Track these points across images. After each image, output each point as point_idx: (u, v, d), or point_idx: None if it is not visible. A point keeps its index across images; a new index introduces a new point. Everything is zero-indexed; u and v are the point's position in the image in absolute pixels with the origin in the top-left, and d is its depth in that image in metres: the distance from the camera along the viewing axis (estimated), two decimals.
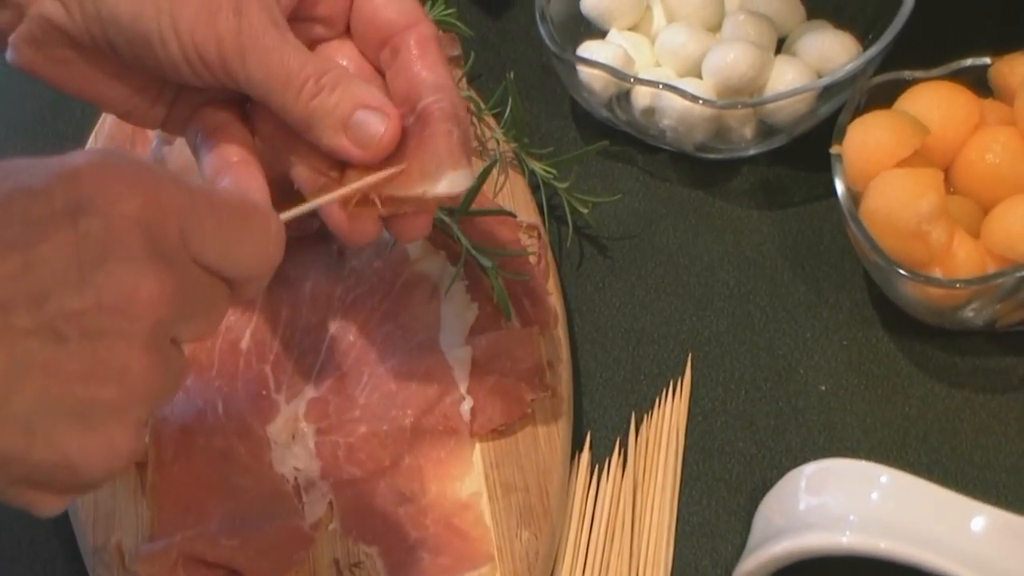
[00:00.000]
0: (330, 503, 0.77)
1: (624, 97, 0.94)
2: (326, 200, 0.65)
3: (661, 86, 0.90)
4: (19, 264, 0.49)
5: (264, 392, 0.81)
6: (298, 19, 0.69)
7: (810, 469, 0.73)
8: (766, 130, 0.94)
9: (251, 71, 0.64)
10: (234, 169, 0.67)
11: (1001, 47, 0.88)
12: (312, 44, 0.71)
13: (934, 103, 0.85)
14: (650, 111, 0.93)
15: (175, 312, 0.53)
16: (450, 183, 0.64)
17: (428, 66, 0.68)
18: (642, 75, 0.94)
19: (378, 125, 0.64)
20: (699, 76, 0.94)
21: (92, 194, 0.50)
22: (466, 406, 0.80)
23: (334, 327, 0.83)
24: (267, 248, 0.58)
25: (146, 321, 0.52)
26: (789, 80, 0.92)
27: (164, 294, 0.52)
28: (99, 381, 0.51)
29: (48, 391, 0.50)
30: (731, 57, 0.91)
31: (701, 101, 0.89)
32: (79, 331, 0.50)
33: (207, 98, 0.70)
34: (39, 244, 0.49)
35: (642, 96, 0.93)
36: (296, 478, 0.78)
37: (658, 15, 1.00)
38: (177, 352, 0.55)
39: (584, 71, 0.93)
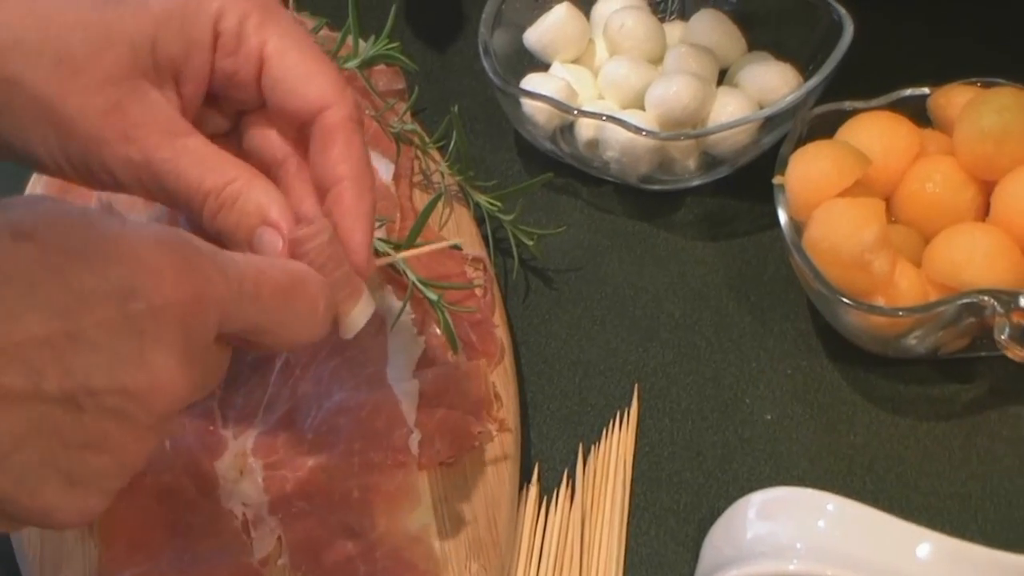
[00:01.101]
0: (279, 538, 0.77)
1: (568, 129, 0.94)
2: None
3: (604, 118, 0.91)
4: (62, 334, 0.49)
5: (212, 428, 0.81)
6: (215, 97, 0.68)
7: (757, 498, 0.73)
8: (709, 161, 0.94)
9: (154, 192, 0.64)
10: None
11: (939, 78, 0.90)
12: (234, 116, 0.70)
13: (875, 133, 0.86)
14: (594, 143, 0.94)
15: (190, 399, 0.54)
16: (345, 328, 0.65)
17: (341, 156, 0.66)
18: (585, 107, 0.94)
19: (276, 243, 0.63)
20: (642, 108, 0.94)
21: (144, 279, 0.51)
22: (414, 439, 0.79)
23: (281, 362, 0.83)
24: (312, 328, 0.60)
25: (160, 412, 0.53)
26: (731, 111, 0.93)
27: (185, 391, 0.53)
28: (96, 451, 0.52)
29: (52, 452, 0.50)
30: (674, 89, 0.92)
31: (644, 133, 0.90)
32: (96, 407, 0.51)
33: None
34: (84, 318, 0.49)
35: (586, 128, 0.93)
36: (244, 513, 0.77)
37: (600, 48, 1.01)
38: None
39: (528, 104, 0.93)
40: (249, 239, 0.63)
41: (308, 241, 0.61)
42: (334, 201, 0.65)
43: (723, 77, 1.00)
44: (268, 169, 0.67)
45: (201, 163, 0.64)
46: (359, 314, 0.64)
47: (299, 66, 0.66)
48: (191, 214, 0.64)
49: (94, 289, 0.50)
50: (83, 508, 0.53)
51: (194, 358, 0.53)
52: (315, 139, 0.66)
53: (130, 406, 0.51)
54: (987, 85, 0.87)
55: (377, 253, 0.85)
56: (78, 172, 0.64)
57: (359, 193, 0.65)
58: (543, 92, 0.94)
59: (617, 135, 0.91)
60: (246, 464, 0.79)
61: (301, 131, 0.67)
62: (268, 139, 0.68)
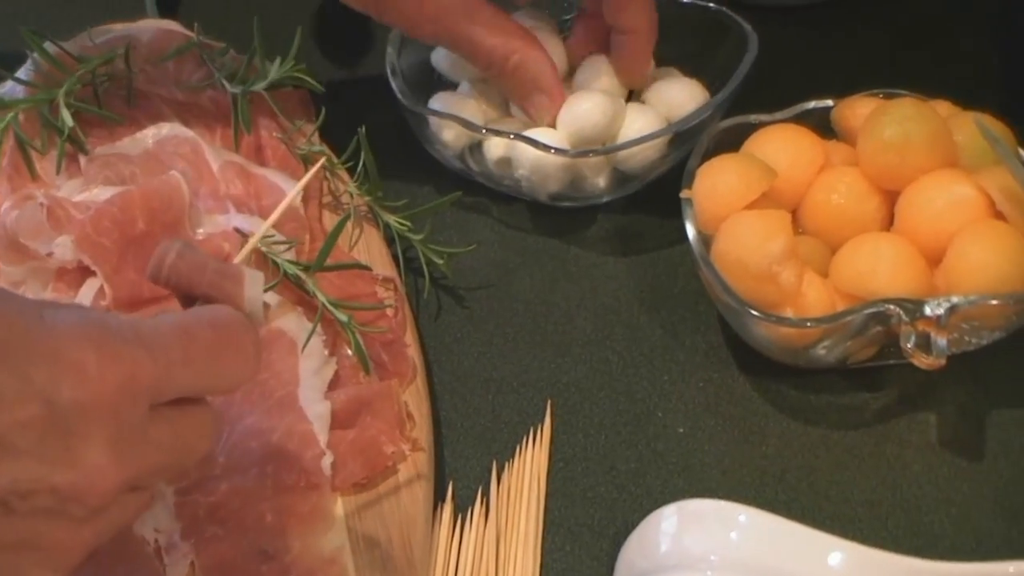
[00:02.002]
0: (192, 564, 0.76)
1: (477, 148, 0.94)
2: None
3: (513, 136, 0.91)
4: None
5: None
6: None
7: (670, 511, 0.74)
8: (620, 177, 0.95)
9: (455, 46, 0.91)
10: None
11: (842, 90, 0.91)
12: None
13: (780, 146, 0.87)
14: (504, 161, 0.94)
15: (132, 485, 0.54)
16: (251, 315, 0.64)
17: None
18: (494, 126, 0.95)
19: (545, 103, 0.92)
20: (552, 125, 0.95)
21: (66, 376, 0.50)
22: (327, 461, 0.79)
23: None
24: (246, 369, 0.59)
25: (93, 506, 0.52)
26: (640, 128, 0.93)
27: (119, 480, 0.52)
28: (32, 549, 0.52)
29: None
30: (585, 107, 0.92)
31: (553, 150, 0.90)
32: (27, 508, 0.50)
33: None
34: (6, 422, 0.48)
35: (495, 147, 0.93)
36: (157, 539, 0.77)
37: None
38: (135, 499, 0.57)
39: (436, 123, 0.93)
40: (526, 97, 0.93)
41: (160, 269, 0.61)
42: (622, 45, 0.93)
43: (632, 94, 1.00)
44: None
45: (494, 29, 0.90)
46: (253, 293, 0.62)
47: None
48: (484, 71, 0.93)
49: (15, 391, 0.49)
50: None
51: (128, 446, 0.52)
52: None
53: (61, 504, 0.51)
54: (889, 96, 0.88)
55: (277, 265, 0.86)
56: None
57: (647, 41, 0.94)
58: (451, 111, 0.94)
59: (527, 153, 0.91)
60: (157, 490, 0.79)
61: None
62: None
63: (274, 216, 0.69)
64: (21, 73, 0.97)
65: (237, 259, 0.65)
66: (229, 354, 0.58)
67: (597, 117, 0.91)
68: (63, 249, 0.85)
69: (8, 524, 0.50)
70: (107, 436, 0.51)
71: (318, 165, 0.73)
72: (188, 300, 0.62)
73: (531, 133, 0.92)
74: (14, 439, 0.49)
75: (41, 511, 0.50)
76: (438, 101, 0.97)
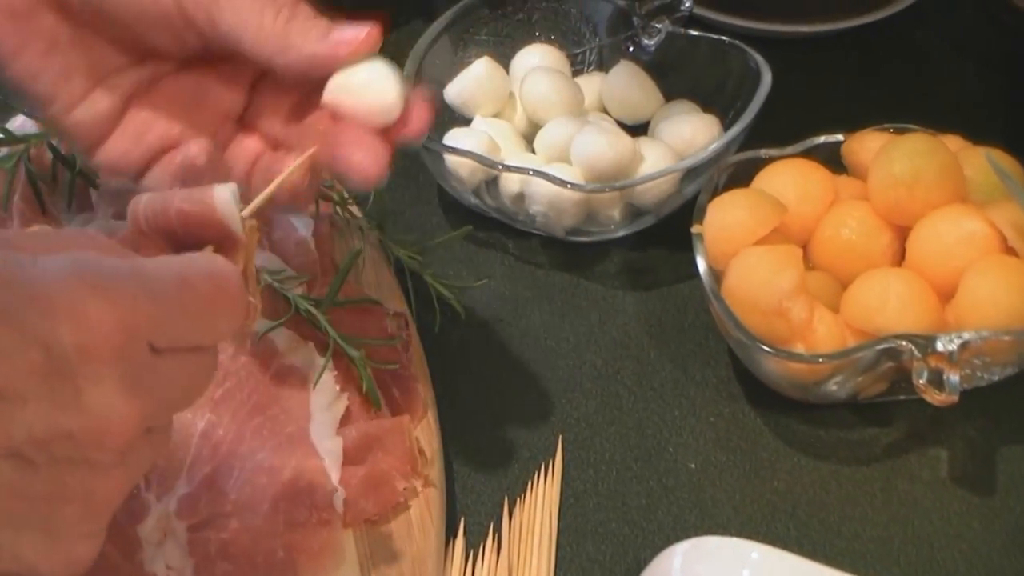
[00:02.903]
0: None
1: (492, 184, 0.94)
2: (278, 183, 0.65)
3: (531, 172, 0.91)
4: None
5: (134, 491, 0.80)
6: None
7: (682, 548, 0.73)
8: (634, 212, 0.95)
9: (224, 5, 0.66)
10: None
11: (852, 124, 0.91)
12: None
13: (790, 180, 0.87)
14: (519, 197, 0.94)
15: (148, 424, 0.53)
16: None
17: None
18: (510, 162, 0.95)
19: (353, 31, 0.67)
20: (567, 161, 0.95)
21: (65, 321, 0.49)
22: (339, 497, 0.79)
23: (203, 422, 0.82)
24: (234, 322, 0.58)
25: (116, 449, 0.51)
26: (654, 163, 0.93)
27: (135, 420, 0.52)
28: (64, 501, 0.51)
29: (15, 510, 0.50)
30: (599, 143, 0.92)
31: (570, 186, 0.90)
32: (47, 458, 0.49)
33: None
34: (10, 373, 0.48)
35: (511, 182, 0.93)
36: None
37: (520, 102, 1.01)
38: (152, 441, 0.55)
39: (451, 159, 0.94)
40: (326, 32, 0.67)
41: (137, 212, 0.60)
42: None
43: (644, 128, 1.01)
44: None
45: None
46: (224, 200, 0.60)
47: None
48: (255, 24, 0.66)
49: (13, 341, 0.48)
50: (70, 557, 0.52)
51: (137, 384, 0.51)
52: None
53: (82, 450, 0.50)
54: (899, 131, 0.89)
55: (288, 301, 0.86)
56: None
57: None
58: (466, 147, 0.94)
59: (543, 189, 0.91)
60: (169, 527, 0.78)
61: None
62: None
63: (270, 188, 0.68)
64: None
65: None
66: (223, 306, 0.57)
67: (612, 153, 0.91)
68: None
69: (34, 476, 0.49)
70: (115, 376, 0.50)
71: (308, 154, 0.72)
72: (175, 246, 0.61)
73: (548, 168, 0.92)
74: (19, 387, 0.48)
75: (64, 461, 0.50)
76: (452, 137, 0.97)
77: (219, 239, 0.59)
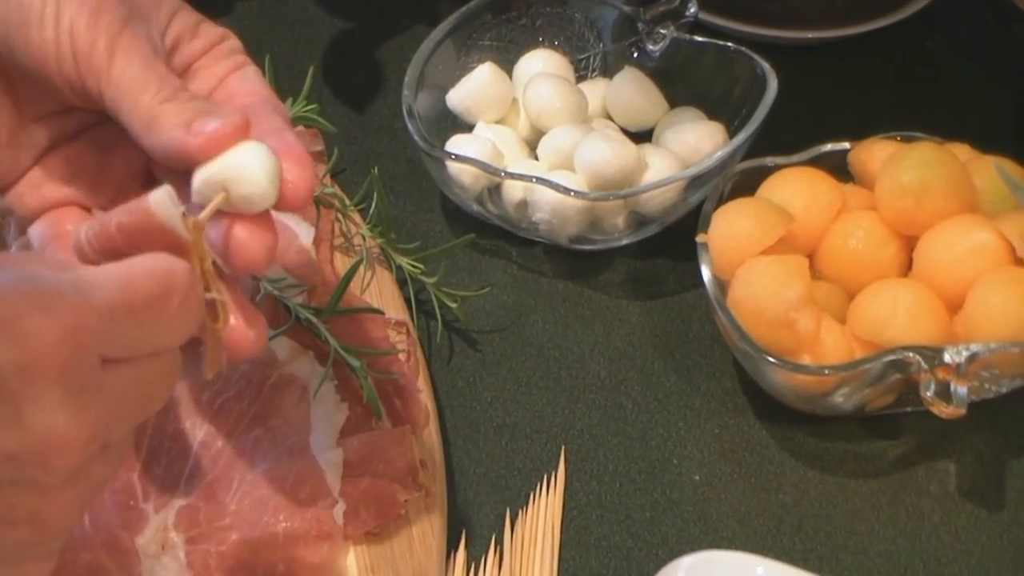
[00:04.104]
0: None
1: (495, 191, 0.94)
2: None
3: (534, 179, 0.90)
4: None
5: (132, 502, 0.79)
6: None
7: (687, 562, 0.73)
8: (638, 220, 0.94)
9: (116, 71, 0.62)
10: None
11: (859, 132, 0.90)
12: None
13: (797, 189, 0.86)
14: (523, 204, 0.93)
15: (100, 440, 0.52)
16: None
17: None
18: (514, 169, 0.94)
19: (216, 122, 0.60)
20: (571, 168, 0.94)
21: (3, 335, 0.48)
22: (339, 510, 0.78)
23: (202, 433, 0.82)
24: (189, 319, 0.56)
25: (62, 469, 0.50)
26: (659, 170, 0.93)
27: (82, 438, 0.50)
28: (9, 524, 0.50)
29: None
30: (603, 150, 0.91)
31: (573, 193, 0.89)
32: None
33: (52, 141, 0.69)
34: None
35: (514, 190, 0.93)
36: None
37: (524, 109, 1.01)
38: (108, 456, 0.54)
39: (454, 166, 0.93)
40: (190, 122, 0.61)
41: (80, 241, 0.58)
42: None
43: (649, 135, 1.00)
44: None
45: (168, 69, 0.64)
46: (162, 206, 0.57)
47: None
48: (131, 100, 0.62)
49: None
50: None
51: (84, 400, 0.50)
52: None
53: (25, 471, 0.49)
54: (907, 139, 0.88)
55: (289, 309, 0.85)
56: (41, 43, 0.63)
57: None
58: (469, 154, 0.93)
59: (546, 196, 0.90)
60: (168, 539, 0.78)
61: None
62: None
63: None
64: None
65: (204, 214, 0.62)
66: (172, 304, 0.55)
67: (616, 161, 0.91)
68: None
69: None
70: (59, 393, 0.49)
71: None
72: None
73: (551, 176, 0.91)
74: None
75: (6, 483, 0.49)
76: (455, 143, 0.96)
77: (167, 246, 0.57)
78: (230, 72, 0.67)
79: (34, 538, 0.51)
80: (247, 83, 0.67)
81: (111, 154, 0.68)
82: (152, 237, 0.57)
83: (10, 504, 0.49)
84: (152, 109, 0.61)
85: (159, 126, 0.61)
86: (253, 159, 0.60)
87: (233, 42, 0.68)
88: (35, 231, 0.68)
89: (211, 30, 0.67)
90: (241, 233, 0.61)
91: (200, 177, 0.60)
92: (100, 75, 0.62)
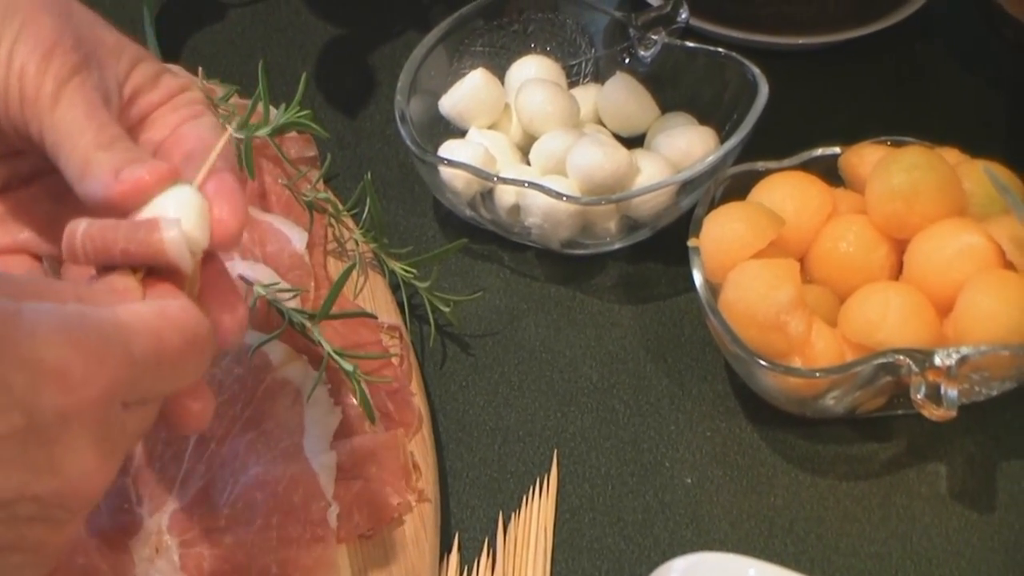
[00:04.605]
0: None
1: (488, 196, 0.94)
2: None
3: (526, 184, 0.91)
4: None
5: (126, 506, 0.79)
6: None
7: (679, 564, 0.73)
8: (630, 224, 0.94)
9: (57, 116, 0.60)
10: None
11: (849, 137, 0.91)
12: None
13: (788, 193, 0.87)
14: (515, 209, 0.93)
15: (113, 476, 0.52)
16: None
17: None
18: (506, 174, 0.94)
19: (143, 169, 0.59)
20: (563, 173, 0.94)
21: (49, 382, 0.48)
22: (333, 512, 0.78)
23: (196, 436, 0.82)
24: (199, 372, 0.57)
25: (81, 508, 0.51)
26: (650, 175, 0.93)
27: (105, 481, 0.51)
28: (15, 551, 0.50)
29: None
30: (595, 155, 0.92)
31: (565, 198, 0.90)
32: (7, 515, 0.49)
33: None
34: None
35: (506, 194, 0.93)
36: None
37: (516, 114, 1.01)
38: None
39: (447, 171, 0.93)
40: (120, 169, 0.60)
41: (74, 242, 0.58)
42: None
43: (640, 141, 1.00)
44: None
45: (112, 119, 0.62)
46: (173, 238, 0.57)
47: None
48: (69, 142, 0.61)
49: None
50: None
51: (110, 444, 0.51)
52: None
53: (46, 510, 0.50)
54: (897, 144, 0.88)
55: (282, 314, 0.85)
56: None
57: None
58: (461, 159, 0.93)
59: (538, 201, 0.91)
60: (161, 542, 0.78)
61: None
62: None
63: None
64: None
65: (200, 175, 0.62)
66: (192, 361, 0.56)
67: (608, 165, 0.91)
68: None
69: None
70: (91, 440, 0.50)
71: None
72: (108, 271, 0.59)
73: (543, 181, 0.92)
74: None
75: (23, 519, 0.49)
76: (447, 149, 0.96)
77: (165, 271, 0.58)
78: (185, 120, 0.65)
79: (32, 563, 0.51)
80: (197, 129, 0.65)
81: (63, 204, 0.66)
82: (153, 264, 0.58)
83: (21, 535, 0.50)
84: (87, 155, 0.60)
85: (91, 172, 0.60)
86: (179, 207, 0.60)
87: (194, 93, 0.67)
88: None
89: (172, 81, 0.66)
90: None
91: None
92: (43, 119, 0.61)
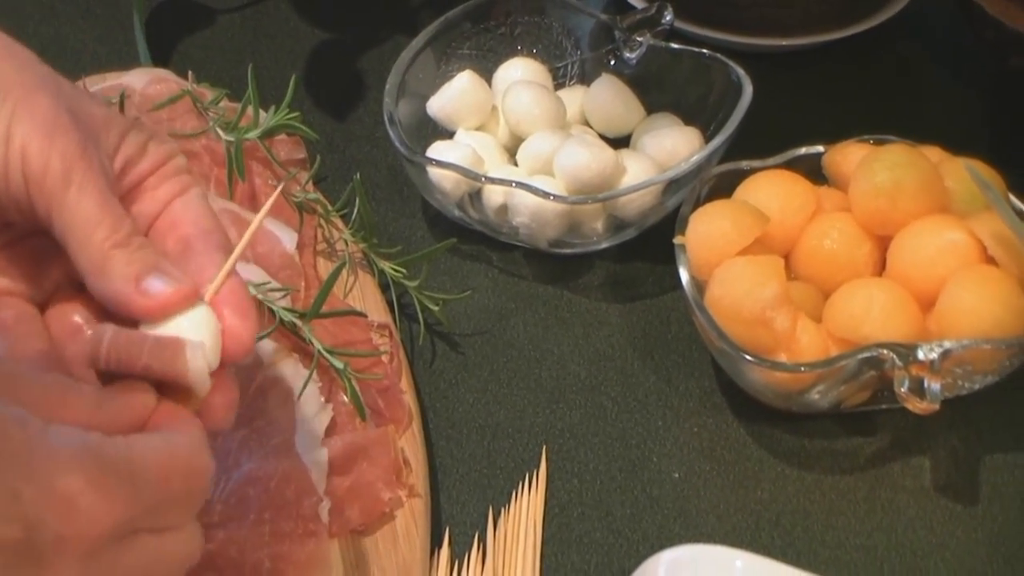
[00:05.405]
0: None
1: (476, 196, 0.95)
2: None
3: (514, 184, 0.91)
4: None
5: None
6: None
7: (667, 556, 0.73)
8: (617, 224, 0.95)
9: (71, 202, 0.60)
10: (11, 331, 0.64)
11: (833, 136, 0.92)
12: None
13: (773, 192, 0.87)
14: (503, 209, 0.94)
15: None
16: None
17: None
18: (494, 174, 0.95)
19: (166, 286, 0.60)
20: (550, 174, 0.95)
21: (53, 508, 0.49)
22: (324, 508, 0.79)
23: None
24: (193, 512, 0.58)
25: None
26: (637, 175, 0.94)
27: None
28: None
29: None
30: (581, 155, 0.92)
31: (552, 197, 0.90)
32: None
33: None
34: None
35: (494, 195, 0.94)
36: None
37: (503, 116, 1.02)
38: None
39: (435, 172, 0.94)
40: (140, 276, 0.60)
41: (98, 352, 0.58)
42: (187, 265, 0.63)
43: (626, 142, 1.01)
44: None
45: (121, 207, 0.62)
46: (195, 363, 0.59)
47: None
48: (80, 236, 0.60)
49: (1, 508, 0.48)
50: None
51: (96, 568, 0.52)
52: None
53: None
54: (880, 142, 0.89)
55: (273, 313, 0.86)
56: None
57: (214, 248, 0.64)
58: (449, 160, 0.94)
59: (526, 200, 0.91)
60: None
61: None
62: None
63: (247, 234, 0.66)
64: None
65: (212, 287, 0.63)
66: (193, 501, 0.57)
67: (595, 165, 0.92)
68: None
69: None
70: (78, 570, 0.50)
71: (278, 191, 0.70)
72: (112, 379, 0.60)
73: (530, 181, 0.92)
74: None
75: None
76: (435, 150, 0.97)
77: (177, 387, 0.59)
78: (175, 196, 0.65)
79: None
80: (190, 211, 0.65)
81: (49, 263, 0.66)
82: (170, 382, 0.59)
83: None
84: (103, 252, 0.60)
85: (108, 273, 0.60)
86: (198, 332, 0.60)
87: (179, 161, 0.66)
88: None
89: (158, 149, 0.65)
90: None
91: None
92: (52, 201, 0.60)
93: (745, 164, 0.91)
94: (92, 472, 0.50)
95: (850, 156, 0.89)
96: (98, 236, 0.60)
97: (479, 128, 1.01)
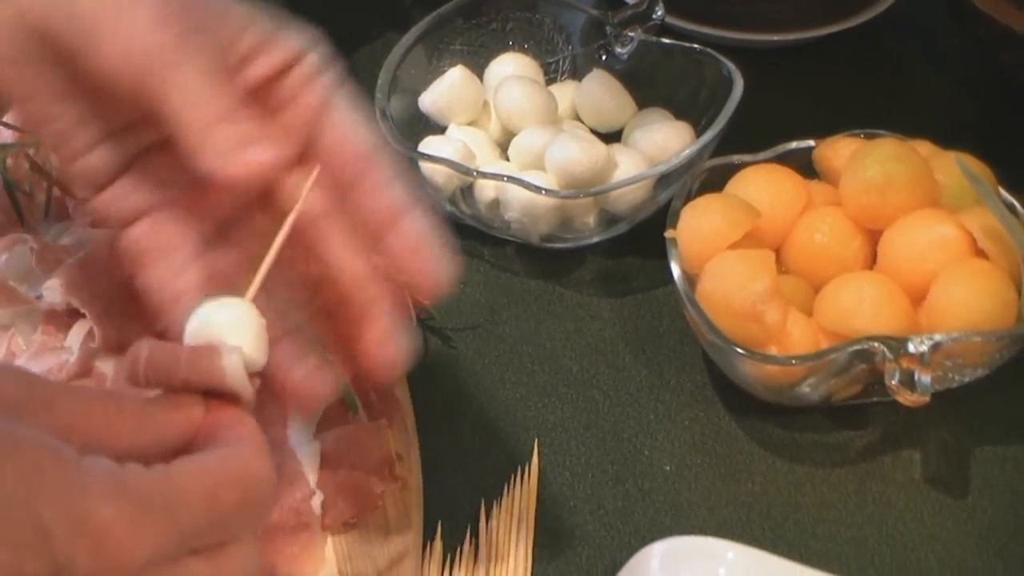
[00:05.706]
0: None
1: (468, 191, 0.95)
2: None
3: (505, 178, 0.92)
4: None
5: None
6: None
7: (659, 548, 0.74)
8: (608, 218, 0.95)
9: (184, 72, 0.60)
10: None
11: (823, 130, 0.92)
12: None
13: (763, 186, 0.88)
14: (495, 204, 0.94)
15: None
16: None
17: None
18: (485, 169, 0.95)
19: (265, 152, 0.61)
20: (542, 168, 0.95)
21: (89, 543, 0.48)
22: (317, 501, 0.79)
23: None
24: (262, 520, 0.58)
25: None
26: (628, 169, 0.94)
27: None
28: None
29: None
30: (573, 150, 0.93)
31: (544, 192, 0.91)
32: None
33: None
34: (14, 570, 0.46)
35: (486, 189, 0.94)
36: None
37: (495, 111, 1.02)
38: None
39: (427, 167, 0.94)
40: (238, 150, 0.61)
41: (137, 369, 0.57)
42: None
43: (618, 137, 1.01)
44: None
45: (228, 87, 0.62)
46: (233, 367, 0.57)
47: None
48: (188, 114, 0.61)
49: (31, 541, 0.47)
50: None
51: None
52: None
53: None
54: (870, 137, 0.90)
55: None
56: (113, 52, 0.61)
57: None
58: (441, 155, 0.94)
59: (518, 195, 0.92)
60: None
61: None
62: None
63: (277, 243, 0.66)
64: (8, 118, 0.98)
65: (249, 295, 0.63)
66: (251, 513, 0.55)
67: (586, 160, 0.92)
68: (52, 292, 0.84)
69: None
70: None
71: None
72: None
73: (522, 175, 0.93)
74: None
75: None
76: (427, 145, 0.97)
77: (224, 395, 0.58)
78: (320, 108, 0.66)
79: None
80: (341, 128, 0.66)
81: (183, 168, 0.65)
82: (214, 390, 0.57)
83: None
84: (206, 125, 0.60)
85: (208, 145, 0.61)
86: (238, 331, 0.59)
87: (313, 59, 0.67)
88: (132, 239, 0.66)
89: (286, 46, 0.65)
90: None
91: (191, 327, 0.59)
92: (164, 74, 0.60)
93: (736, 159, 0.91)
94: (126, 507, 0.49)
95: (841, 151, 0.89)
96: (200, 112, 0.61)
97: (471, 123, 1.02)
